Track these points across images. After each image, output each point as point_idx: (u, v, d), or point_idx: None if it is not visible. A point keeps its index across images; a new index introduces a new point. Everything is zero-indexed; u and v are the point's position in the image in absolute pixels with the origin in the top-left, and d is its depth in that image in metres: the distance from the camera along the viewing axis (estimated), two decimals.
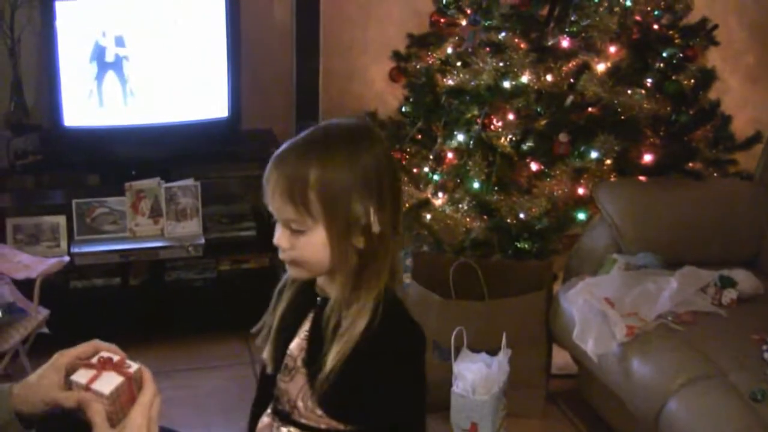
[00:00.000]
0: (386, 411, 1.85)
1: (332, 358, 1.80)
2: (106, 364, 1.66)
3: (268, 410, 2.03)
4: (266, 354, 2.01)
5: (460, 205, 3.78)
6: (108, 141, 4.06)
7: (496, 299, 3.47)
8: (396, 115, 4.17)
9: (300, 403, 1.92)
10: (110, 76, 3.93)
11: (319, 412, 1.89)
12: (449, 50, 4.05)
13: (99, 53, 3.87)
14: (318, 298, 1.92)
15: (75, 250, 3.93)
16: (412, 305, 3.57)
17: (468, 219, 3.76)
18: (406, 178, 4.00)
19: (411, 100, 4.07)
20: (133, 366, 1.66)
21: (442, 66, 4.02)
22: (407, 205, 3.92)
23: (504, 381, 3.23)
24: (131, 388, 1.65)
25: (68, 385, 1.67)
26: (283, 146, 1.84)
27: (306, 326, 1.93)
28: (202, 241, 4.06)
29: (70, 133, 3.98)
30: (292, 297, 1.98)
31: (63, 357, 1.73)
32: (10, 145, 4.01)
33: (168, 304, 4.12)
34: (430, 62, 4.07)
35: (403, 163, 4.02)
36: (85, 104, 3.93)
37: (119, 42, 3.88)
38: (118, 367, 1.65)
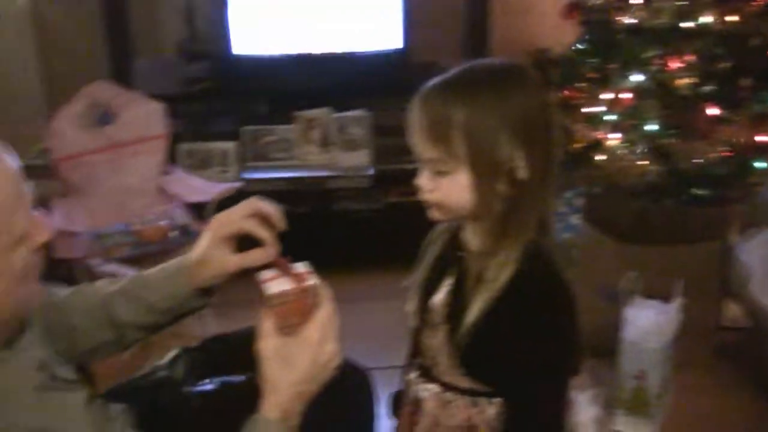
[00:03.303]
0: (525, 370, 1.77)
1: (473, 312, 1.76)
2: (286, 270, 1.68)
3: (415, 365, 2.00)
4: (410, 308, 1.98)
5: (635, 147, 3.70)
6: (278, 70, 4.12)
7: (670, 245, 3.40)
8: (570, 53, 4.09)
9: (441, 360, 1.89)
10: (281, 4, 3.95)
11: (460, 369, 1.85)
12: None
13: None
14: (461, 252, 1.87)
15: (244, 175, 4.00)
16: (582, 247, 3.56)
17: (642, 162, 3.68)
18: (579, 118, 3.94)
19: (586, 37, 3.98)
20: (310, 279, 1.66)
21: (620, 3, 3.91)
22: (578, 145, 3.87)
23: (675, 330, 3.18)
24: (303, 302, 1.64)
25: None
26: (429, 84, 1.77)
27: (449, 280, 1.88)
28: (371, 171, 4.09)
29: (240, 61, 4.06)
30: (439, 250, 1.95)
31: (220, 224, 1.84)
32: (182, 71, 4.11)
33: (334, 234, 4.17)
34: None
35: (576, 102, 3.95)
36: (254, 33, 3.97)
37: None
38: (297, 278, 1.65)
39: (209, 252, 1.84)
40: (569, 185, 4.31)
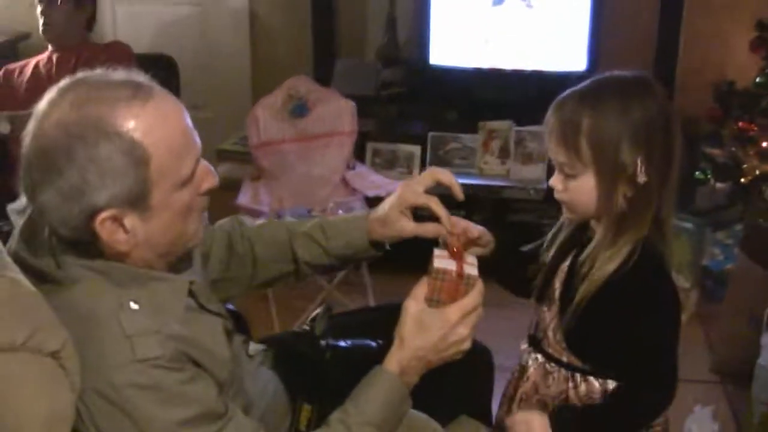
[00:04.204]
0: (621, 355, 1.94)
1: (579, 294, 1.94)
2: (457, 255, 1.87)
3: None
4: (536, 284, 2.16)
5: None
6: (469, 81, 4.34)
7: None
8: (752, 86, 4.13)
9: (550, 333, 2.08)
10: (477, 20, 4.18)
11: (564, 344, 2.04)
12: None
13: None
14: (583, 241, 2.03)
15: None
16: (735, 275, 3.61)
17: None
18: (752, 152, 3.98)
19: (766, 71, 4.03)
20: (472, 270, 1.85)
21: None
22: (749, 177, 3.91)
23: None
24: (457, 286, 1.82)
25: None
26: (564, 93, 1.96)
27: (569, 262, 2.06)
28: (545, 186, 4.22)
29: (434, 70, 4.28)
30: (567, 235, 2.12)
31: (407, 193, 2.07)
32: (379, 75, 4.39)
33: (509, 243, 4.32)
34: None
35: (751, 134, 3.99)
36: (450, 45, 4.21)
37: None
38: (461, 263, 1.84)
39: (391, 215, 2.09)
40: (737, 218, 4.34)
